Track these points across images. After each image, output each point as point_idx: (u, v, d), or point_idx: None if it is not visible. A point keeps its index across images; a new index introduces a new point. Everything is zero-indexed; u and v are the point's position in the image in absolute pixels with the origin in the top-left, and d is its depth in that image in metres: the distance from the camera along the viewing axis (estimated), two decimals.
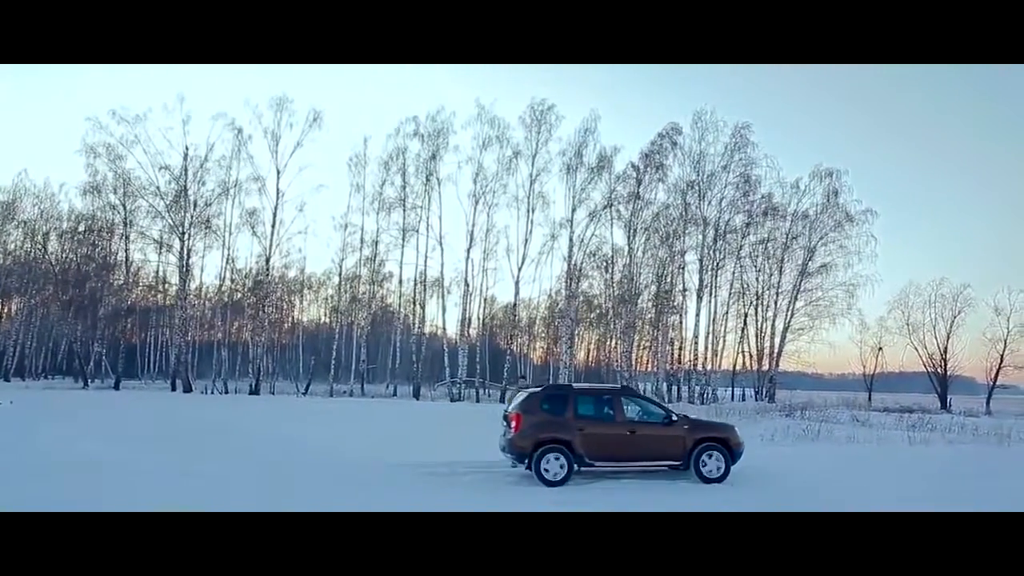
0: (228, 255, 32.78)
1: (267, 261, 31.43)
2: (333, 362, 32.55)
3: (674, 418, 10.72)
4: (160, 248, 32.89)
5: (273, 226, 30.92)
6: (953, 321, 35.66)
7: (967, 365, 36.81)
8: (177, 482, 8.92)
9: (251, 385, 30.09)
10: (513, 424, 10.11)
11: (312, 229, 34.59)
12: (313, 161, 33.48)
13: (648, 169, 30.91)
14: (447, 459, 12.00)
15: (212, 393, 29.37)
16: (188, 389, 29.09)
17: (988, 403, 35.97)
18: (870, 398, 35.47)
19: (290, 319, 44.98)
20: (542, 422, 10.19)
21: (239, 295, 34.90)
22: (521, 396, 10.93)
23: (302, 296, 44.30)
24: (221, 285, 34.69)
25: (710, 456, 10.44)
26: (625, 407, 10.69)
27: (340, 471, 10.57)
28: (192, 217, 30.46)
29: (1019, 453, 16.25)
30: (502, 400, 29.89)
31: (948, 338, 35.70)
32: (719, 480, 10.30)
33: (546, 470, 9.85)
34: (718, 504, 8.19)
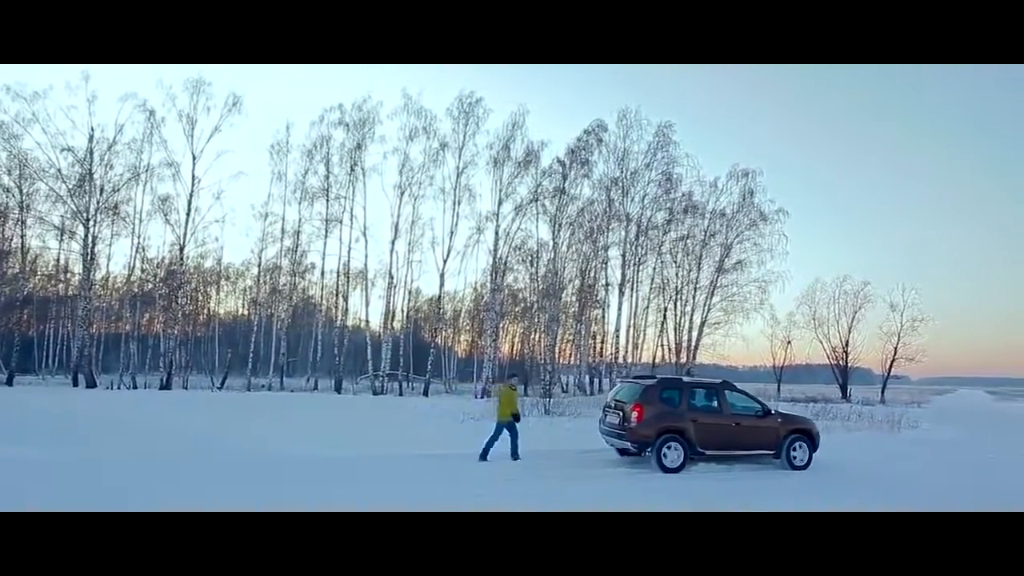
0: (138, 243, 31.12)
1: (181, 250, 29.99)
2: (251, 355, 31.50)
3: (770, 411, 11.84)
4: (62, 235, 30.85)
5: (188, 214, 29.51)
6: (854, 316, 38.09)
7: (865, 357, 39.21)
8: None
9: (162, 379, 28.73)
10: (635, 415, 10.73)
11: (230, 218, 33.37)
12: (232, 147, 32.11)
13: (574, 165, 31.28)
14: (351, 453, 11.94)
15: (119, 388, 27.89)
16: (92, 384, 27.51)
17: (883, 393, 38.61)
18: (779, 389, 37.43)
19: (205, 311, 43.27)
20: (662, 413, 10.90)
21: (150, 285, 33.18)
22: (631, 387, 11.62)
23: (219, 287, 42.65)
24: (130, 275, 32.92)
25: (799, 446, 11.59)
26: (728, 399, 11.54)
27: (224, 465, 10.30)
28: (98, 203, 28.68)
29: (907, 438, 17.62)
30: (426, 393, 29.88)
31: (849, 332, 38.09)
32: (804, 468, 11.42)
33: (665, 456, 10.64)
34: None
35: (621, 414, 11.11)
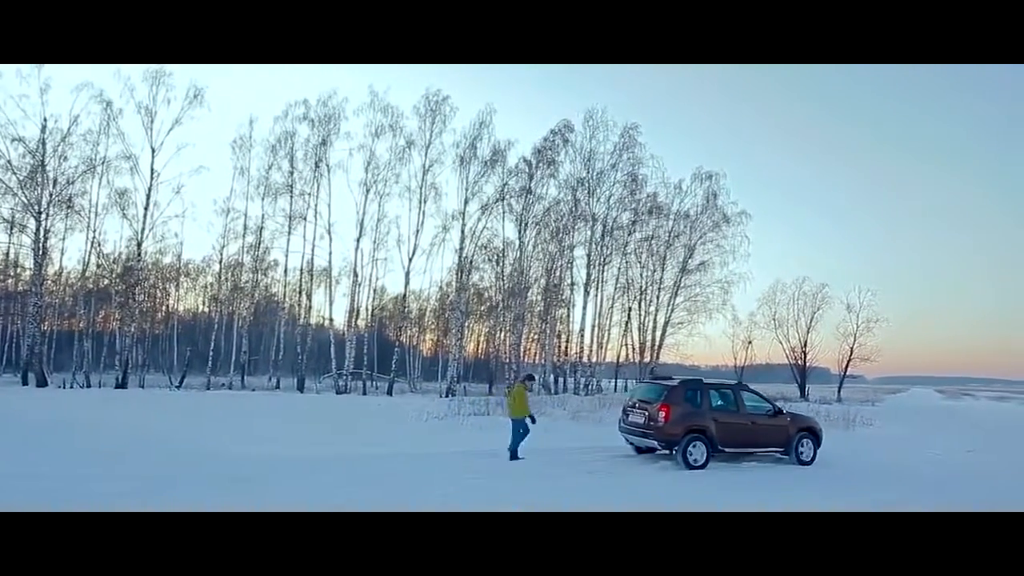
0: (94, 238, 30.14)
1: (139, 246, 29.19)
2: (211, 353, 30.86)
3: (781, 410, 12.59)
4: (11, 228, 29.77)
5: (146, 208, 28.68)
6: (813, 317, 38.94)
7: (823, 357, 40.15)
8: None
9: (117, 378, 27.97)
10: (663, 414, 11.27)
11: (191, 213, 32.30)
12: (193, 141, 31.23)
13: (540, 164, 31.44)
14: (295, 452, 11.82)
15: (71, 387, 27.07)
16: (43, 383, 26.62)
17: (839, 391, 39.59)
18: None
19: (164, 308, 42.24)
20: (687, 413, 11.46)
21: (106, 281, 32.28)
22: (654, 388, 12.13)
23: (178, 284, 41.58)
24: (85, 270, 31.92)
25: (806, 443, 12.42)
26: (744, 399, 12.25)
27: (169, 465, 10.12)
28: (51, 195, 27.71)
29: (862, 436, 18.13)
30: (390, 393, 29.65)
31: (808, 332, 38.92)
32: (810, 463, 12.25)
33: (690, 454, 11.22)
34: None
35: (647, 414, 11.62)
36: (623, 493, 8.99)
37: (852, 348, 38.84)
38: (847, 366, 39.34)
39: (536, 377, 11.92)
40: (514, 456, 11.63)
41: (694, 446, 11.29)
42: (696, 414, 11.53)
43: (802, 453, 12.32)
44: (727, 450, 11.72)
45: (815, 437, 12.56)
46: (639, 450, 12.46)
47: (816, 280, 43.80)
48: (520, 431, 11.88)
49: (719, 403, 12.05)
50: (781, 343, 39.42)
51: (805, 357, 38.85)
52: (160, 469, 9.60)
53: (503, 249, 32.15)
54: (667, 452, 11.75)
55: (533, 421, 12.09)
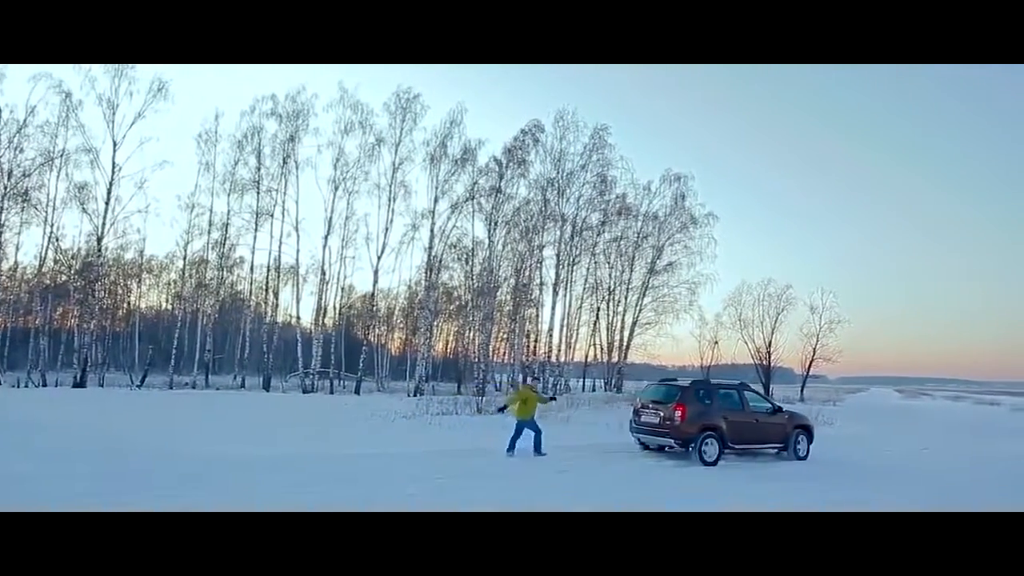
0: (52, 233, 29.35)
1: (99, 241, 28.44)
2: (174, 352, 30.23)
3: (780, 408, 13.33)
4: None
5: (107, 203, 27.95)
6: (777, 318, 39.55)
7: (787, 357, 40.80)
8: None
9: (75, 377, 27.24)
10: (679, 414, 11.79)
11: (154, 208, 31.70)
12: (157, 135, 30.45)
13: (510, 164, 31.42)
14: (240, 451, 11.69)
15: (26, 386, 26.31)
16: None
17: (802, 391, 40.39)
18: None
19: (125, 305, 41.33)
20: (701, 412, 12.02)
21: (64, 278, 31.45)
22: (666, 389, 12.66)
23: (140, 280, 40.73)
24: (41, 266, 31.05)
25: (802, 439, 13.20)
26: (747, 399, 12.92)
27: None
28: (5, 188, 26.91)
29: (822, 435, 18.49)
30: (357, 392, 29.40)
31: (772, 333, 39.52)
32: (804, 458, 12.98)
33: (705, 451, 11.80)
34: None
35: (662, 414, 12.11)
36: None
37: (815, 349, 39.62)
38: (810, 366, 40.13)
39: (540, 379, 12.71)
40: (538, 451, 12.25)
41: (707, 443, 11.87)
42: (708, 413, 12.10)
43: (799, 449, 13.09)
44: (736, 447, 12.37)
45: (809, 434, 13.38)
46: (645, 447, 13.02)
47: (781, 282, 44.54)
48: (531, 429, 12.40)
49: (727, 402, 12.65)
50: (746, 343, 40.02)
51: (770, 357, 39.48)
52: (112, 469, 9.36)
53: (473, 248, 32.16)
54: (659, 449, 12.63)
55: (554, 399, 13.75)
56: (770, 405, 13.30)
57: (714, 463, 11.79)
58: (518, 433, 12.41)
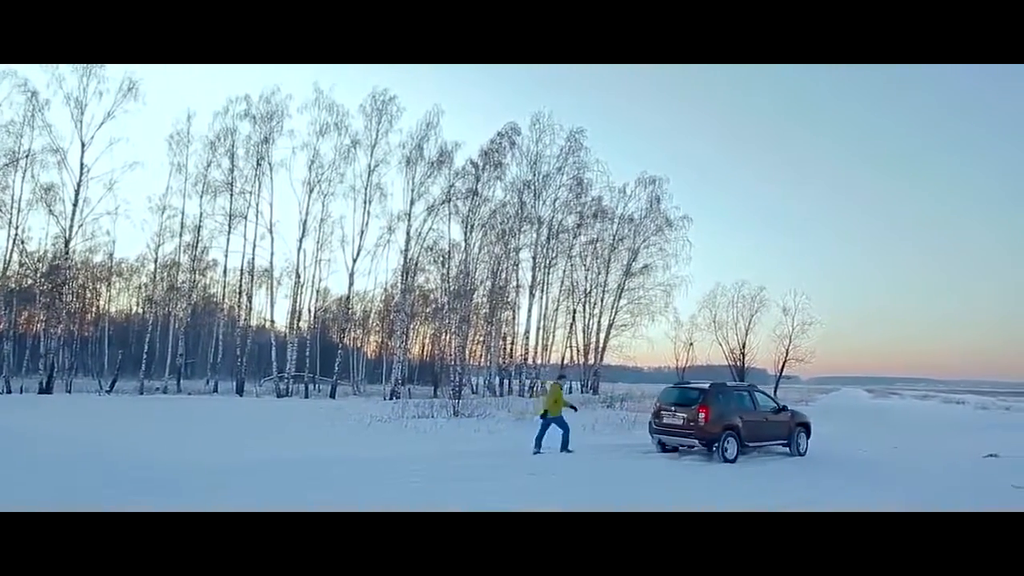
0: (16, 235, 28.55)
1: (66, 244, 27.84)
2: (145, 356, 29.68)
3: (784, 407, 14.31)
4: None
5: (75, 204, 27.37)
6: (751, 320, 39.94)
7: (761, 358, 41.16)
8: None
9: (42, 382, 26.61)
10: (703, 415, 12.50)
11: (124, 210, 30.93)
12: (127, 136, 29.75)
13: (487, 167, 31.43)
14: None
15: None
16: None
17: (775, 392, 40.81)
18: None
19: (94, 309, 40.50)
20: (722, 413, 12.72)
21: (30, 281, 30.72)
22: (686, 392, 13.39)
23: (110, 284, 39.89)
24: (6, 269, 30.24)
25: (802, 436, 14.17)
26: (757, 399, 13.84)
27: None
28: None
29: None
30: (332, 395, 29.16)
31: (746, 335, 39.88)
32: (804, 454, 13.92)
33: (726, 450, 12.49)
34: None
35: (685, 416, 12.80)
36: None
37: (788, 350, 39.99)
38: (783, 367, 40.52)
39: (567, 376, 13.49)
40: (565, 448, 13.07)
41: (728, 442, 12.57)
42: (727, 414, 12.83)
43: (799, 445, 14.03)
44: (750, 445, 13.15)
45: (808, 431, 14.40)
46: (664, 448, 13.61)
47: (754, 283, 45.09)
48: (559, 427, 13.24)
49: (741, 403, 13.48)
50: (721, 345, 40.30)
51: (744, 358, 39.85)
52: (75, 477, 9.14)
53: (449, 251, 32.04)
54: (672, 449, 13.41)
55: (575, 410, 13.96)
56: (775, 404, 14.25)
57: (734, 460, 12.50)
58: (544, 430, 13.20)
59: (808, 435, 14.37)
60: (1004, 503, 8.59)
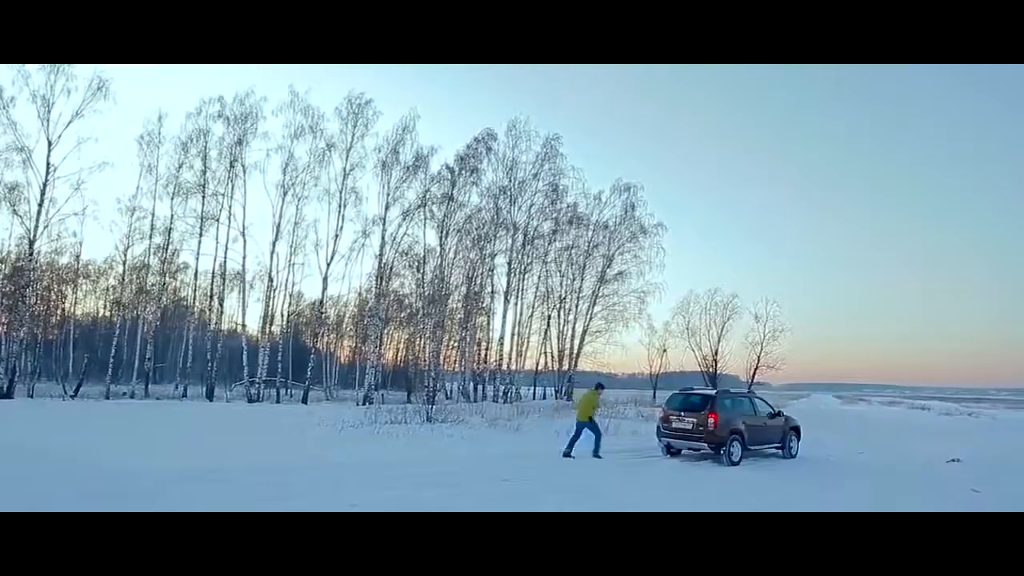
0: None
1: (31, 244, 27.17)
2: (112, 361, 29.06)
3: (779, 412, 15.10)
4: None
5: (41, 205, 26.67)
6: (723, 327, 40.47)
7: (733, 365, 41.76)
8: None
9: (2, 387, 25.89)
10: (712, 420, 13.22)
11: (92, 211, 30.25)
12: (96, 135, 29.07)
13: (463, 172, 31.43)
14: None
15: None
16: None
17: None
18: (655, 395, 39.09)
19: (60, 312, 39.58)
20: (728, 418, 13.50)
21: None
22: (693, 398, 14.09)
23: (76, 286, 39.02)
24: None
25: (794, 440, 15.17)
26: (756, 405, 14.78)
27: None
28: None
29: None
30: (305, 401, 28.82)
31: (719, 341, 40.42)
32: (795, 456, 14.84)
33: (732, 453, 13.26)
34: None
35: (695, 421, 13.49)
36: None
37: (759, 356, 40.62)
38: (754, 373, 41.10)
39: (604, 386, 14.58)
40: (596, 454, 13.76)
41: (734, 446, 13.33)
42: (733, 419, 13.59)
43: (792, 448, 15.01)
44: (752, 448, 13.92)
45: (798, 435, 15.34)
46: (671, 452, 14.46)
47: (727, 291, 45.62)
48: (592, 432, 13.96)
49: (743, 408, 14.35)
50: (694, 351, 40.79)
51: (716, 365, 40.32)
52: (25, 485, 8.87)
53: (424, 256, 31.90)
54: (675, 453, 14.31)
55: (591, 421, 14.14)
56: (771, 409, 15.03)
57: (738, 463, 13.25)
58: (577, 435, 13.92)
59: (799, 439, 15.27)
60: (964, 506, 8.81)
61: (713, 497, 9.75)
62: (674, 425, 13.92)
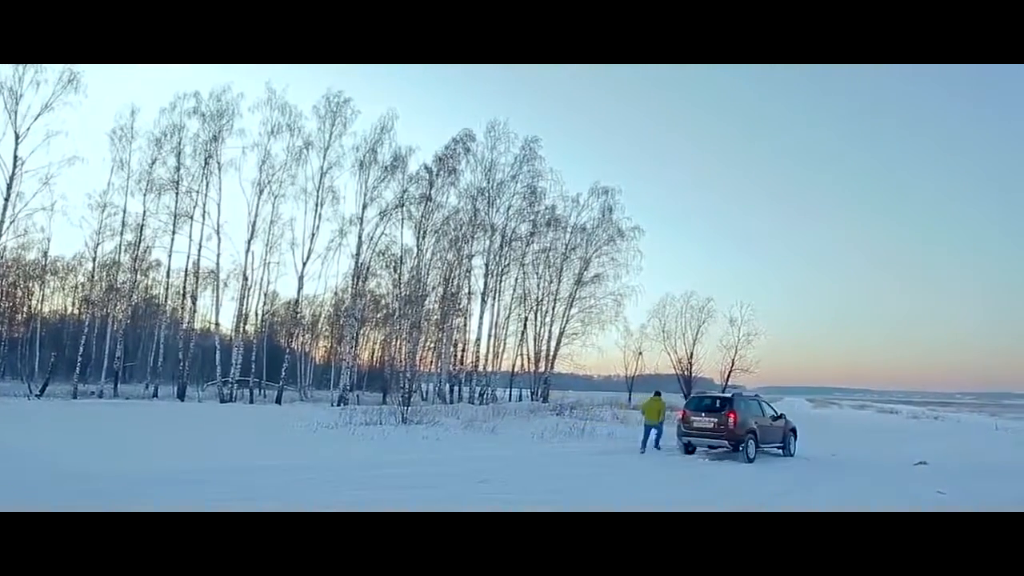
0: None
1: None
2: (80, 359, 28.47)
3: (781, 415, 16.34)
4: None
5: (7, 199, 26.05)
6: (699, 330, 40.81)
7: (707, 368, 42.14)
8: None
9: None
10: (732, 420, 14.44)
11: (61, 206, 29.60)
12: (66, 129, 28.34)
13: (441, 172, 31.36)
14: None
15: None
16: None
17: None
18: (630, 398, 39.30)
19: (26, 309, 38.71)
20: (745, 418, 14.66)
21: None
22: (712, 400, 15.77)
23: (43, 283, 38.19)
24: None
25: (792, 440, 16.51)
26: (763, 407, 15.95)
27: None
28: None
29: None
30: (279, 401, 28.50)
31: (694, 344, 40.74)
32: (793, 455, 16.13)
33: (749, 451, 14.36)
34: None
35: (716, 420, 14.72)
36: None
37: (733, 360, 41.03)
38: (728, 376, 41.50)
39: (662, 392, 17.56)
40: (656, 446, 16.40)
41: (749, 444, 14.41)
42: (748, 420, 14.73)
43: (791, 447, 16.31)
44: (762, 446, 15.15)
45: (795, 435, 16.60)
46: (688, 450, 15.66)
47: (702, 294, 46.09)
48: (657, 432, 16.53)
49: (755, 410, 15.52)
50: (669, 354, 41.06)
51: (691, 368, 40.65)
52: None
53: (401, 256, 31.75)
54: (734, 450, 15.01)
55: (660, 423, 16.54)
56: (774, 412, 16.22)
57: (752, 460, 14.28)
58: (647, 434, 16.39)
59: (796, 439, 16.58)
60: (928, 506, 9.00)
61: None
62: (695, 424, 15.09)
